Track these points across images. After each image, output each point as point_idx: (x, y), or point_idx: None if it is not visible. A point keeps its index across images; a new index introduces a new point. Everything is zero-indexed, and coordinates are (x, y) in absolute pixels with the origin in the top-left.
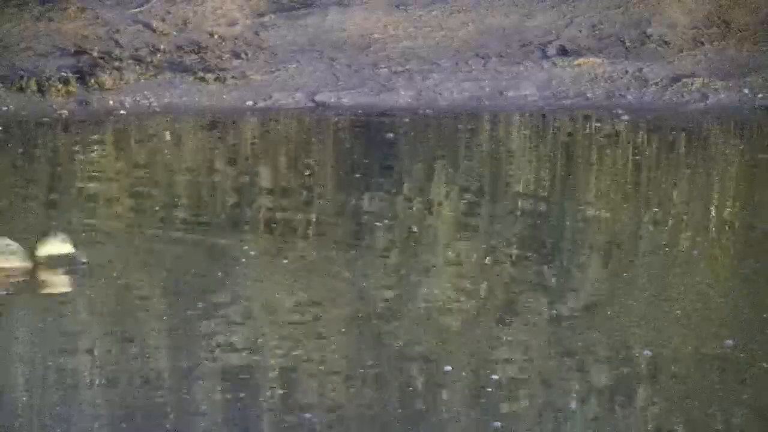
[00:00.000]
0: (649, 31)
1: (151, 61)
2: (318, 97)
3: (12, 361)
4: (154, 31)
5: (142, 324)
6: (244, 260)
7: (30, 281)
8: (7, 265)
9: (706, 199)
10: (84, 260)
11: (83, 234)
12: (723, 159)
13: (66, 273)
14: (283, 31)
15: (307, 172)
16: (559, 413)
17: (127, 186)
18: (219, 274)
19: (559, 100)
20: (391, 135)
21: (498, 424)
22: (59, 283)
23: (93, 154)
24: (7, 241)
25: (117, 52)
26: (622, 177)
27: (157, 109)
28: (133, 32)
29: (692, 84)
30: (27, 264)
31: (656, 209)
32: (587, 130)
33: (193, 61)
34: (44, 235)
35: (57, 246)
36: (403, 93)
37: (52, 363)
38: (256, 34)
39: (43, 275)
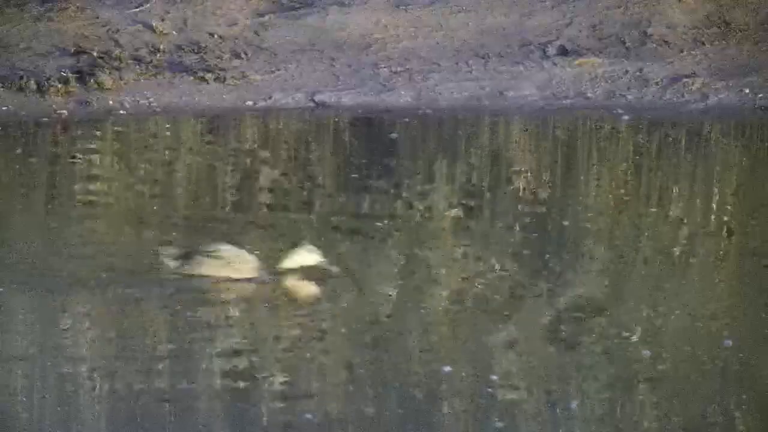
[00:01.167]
0: (649, 31)
1: (151, 61)
2: (318, 97)
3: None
4: (153, 31)
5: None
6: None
7: (270, 292)
8: (240, 275)
9: (707, 199)
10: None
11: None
12: (724, 159)
13: (313, 284)
14: (283, 31)
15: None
16: (559, 413)
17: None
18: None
19: (559, 100)
20: (394, 135)
21: (500, 424)
22: (304, 294)
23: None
24: (241, 251)
25: (117, 52)
26: (623, 177)
27: (157, 109)
28: (132, 32)
29: (692, 84)
30: (263, 274)
31: (657, 209)
32: (587, 130)
33: (193, 61)
34: (293, 245)
35: (304, 256)
36: (403, 93)
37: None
38: (256, 34)
39: (287, 286)
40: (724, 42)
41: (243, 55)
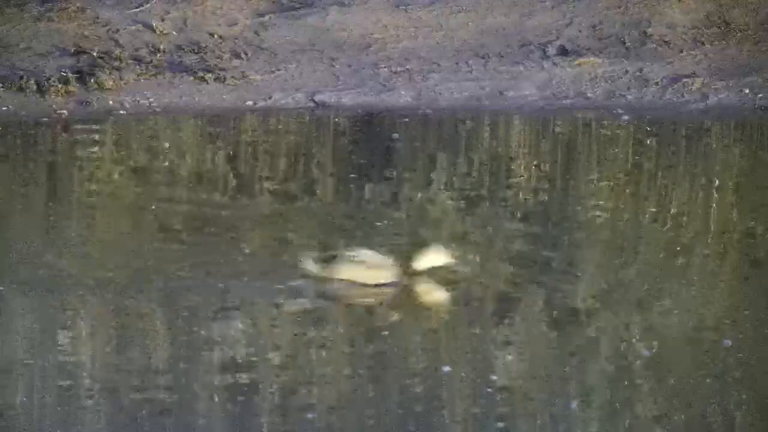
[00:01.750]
0: (649, 31)
1: (151, 61)
2: (318, 97)
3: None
4: (153, 31)
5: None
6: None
7: (406, 295)
8: (375, 280)
9: (707, 199)
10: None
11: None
12: (724, 159)
13: (445, 285)
14: (283, 31)
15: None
16: (559, 414)
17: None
18: None
19: (559, 100)
20: (396, 135)
21: (501, 424)
22: (437, 296)
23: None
24: (374, 253)
25: (117, 52)
26: (624, 177)
27: (157, 109)
28: (133, 32)
29: (692, 84)
30: (399, 277)
31: (657, 209)
32: (587, 130)
33: (193, 61)
34: (423, 246)
35: (435, 257)
36: (403, 93)
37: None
38: (256, 34)
39: (421, 288)
40: (724, 42)
41: (243, 55)
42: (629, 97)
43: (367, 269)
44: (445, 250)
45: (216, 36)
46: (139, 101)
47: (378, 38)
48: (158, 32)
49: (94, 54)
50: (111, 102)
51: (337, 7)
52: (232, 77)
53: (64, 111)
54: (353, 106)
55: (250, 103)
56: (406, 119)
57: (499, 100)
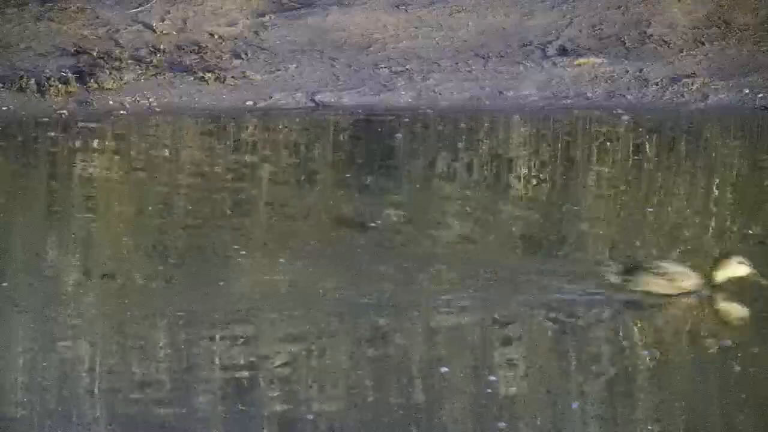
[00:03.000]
0: (649, 31)
1: (151, 61)
2: (318, 97)
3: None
4: (154, 31)
5: None
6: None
7: (707, 308)
8: (677, 290)
9: (706, 198)
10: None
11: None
12: (724, 159)
13: (745, 298)
14: (283, 31)
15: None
16: (559, 414)
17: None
18: None
19: (559, 100)
20: (399, 135)
21: (502, 424)
22: (738, 310)
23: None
24: (675, 264)
25: (117, 52)
26: (624, 176)
27: (157, 109)
28: (133, 32)
29: (692, 84)
30: (700, 290)
31: (655, 208)
32: (587, 130)
33: (193, 61)
34: (723, 256)
35: (734, 268)
36: (403, 93)
37: None
38: (256, 34)
39: (722, 301)
40: (724, 42)
41: (243, 55)
42: (629, 97)
43: (669, 280)
44: (745, 260)
45: (216, 36)
46: (139, 101)
47: (378, 38)
48: (158, 32)
49: (94, 54)
50: (111, 102)
51: (337, 7)
52: (232, 77)
53: (65, 111)
54: (353, 106)
55: (250, 103)
56: (407, 119)
57: (499, 100)
